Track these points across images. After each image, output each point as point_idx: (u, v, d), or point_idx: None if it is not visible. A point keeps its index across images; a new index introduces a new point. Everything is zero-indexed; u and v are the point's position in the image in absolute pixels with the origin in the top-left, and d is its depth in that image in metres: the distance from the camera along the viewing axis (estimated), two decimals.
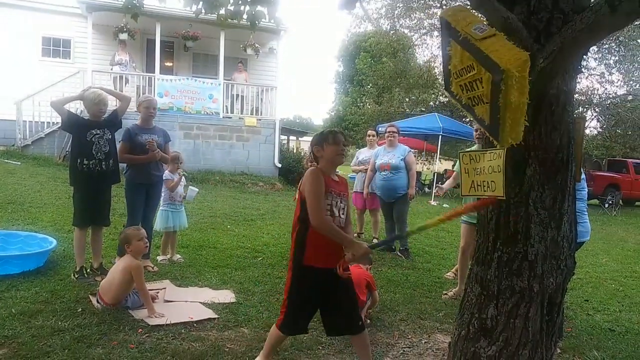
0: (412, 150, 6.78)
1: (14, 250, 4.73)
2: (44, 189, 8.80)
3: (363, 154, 7.54)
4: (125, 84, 13.17)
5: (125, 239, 3.89)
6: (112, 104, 5.79)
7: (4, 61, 13.16)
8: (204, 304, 3.99)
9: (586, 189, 4.29)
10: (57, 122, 12.70)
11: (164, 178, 5.19)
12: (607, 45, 17.87)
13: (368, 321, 3.88)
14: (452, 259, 6.39)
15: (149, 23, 12.51)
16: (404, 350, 3.38)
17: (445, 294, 4.80)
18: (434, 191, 15.34)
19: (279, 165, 14.14)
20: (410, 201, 6.53)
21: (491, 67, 2.02)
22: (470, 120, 21.36)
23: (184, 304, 3.99)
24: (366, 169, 6.95)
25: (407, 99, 22.69)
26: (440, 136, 15.35)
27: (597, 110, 20.45)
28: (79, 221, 4.47)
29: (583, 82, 19.45)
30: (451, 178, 5.83)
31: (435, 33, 19.21)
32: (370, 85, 29.69)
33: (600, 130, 22.03)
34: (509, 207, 2.40)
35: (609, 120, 20.67)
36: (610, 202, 15.89)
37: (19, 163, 11.18)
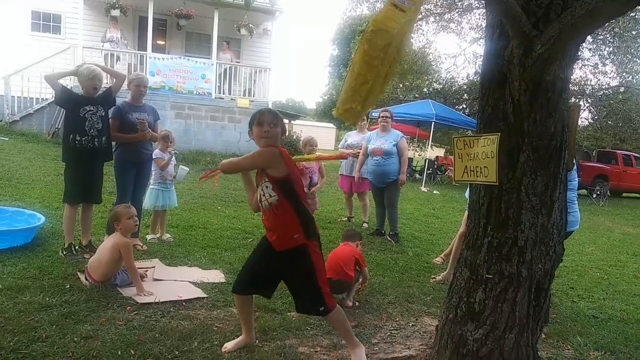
0: (404, 136, 6.76)
1: (1, 226, 4.68)
2: (32, 165, 8.71)
3: (352, 137, 7.51)
4: (117, 61, 12.97)
5: (115, 217, 3.86)
6: (106, 81, 5.71)
7: None
8: (193, 283, 3.99)
9: (577, 179, 4.32)
10: (46, 99, 12.54)
11: (154, 157, 5.14)
12: (601, 36, 17.88)
13: (357, 303, 3.92)
14: (441, 245, 6.45)
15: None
16: (391, 333, 3.41)
17: (434, 277, 4.85)
18: (424, 177, 15.42)
19: None
20: (401, 187, 6.54)
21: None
22: (463, 107, 21.43)
23: (173, 283, 3.99)
24: (355, 153, 6.93)
25: (400, 85, 22.57)
26: (433, 123, 15.35)
27: (589, 101, 20.54)
28: (70, 198, 4.43)
29: (577, 73, 19.50)
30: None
31: (431, 19, 19.09)
32: None
33: (592, 121, 22.17)
34: (501, 193, 2.41)
35: (600, 112, 20.79)
36: (599, 192, 16.06)
37: (7, 139, 11.03)
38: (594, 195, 16.02)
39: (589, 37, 16.30)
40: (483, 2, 2.09)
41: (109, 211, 4.09)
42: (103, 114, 4.46)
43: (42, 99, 12.54)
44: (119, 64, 13.02)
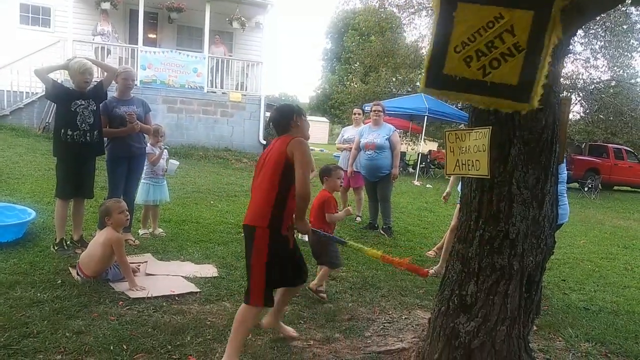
0: (397, 130, 6.76)
1: None
2: (22, 160, 8.63)
3: (348, 132, 7.51)
4: (107, 55, 12.86)
5: (106, 212, 3.84)
6: (97, 75, 5.62)
7: None
8: (185, 277, 3.98)
9: (566, 172, 4.35)
10: (36, 93, 12.40)
11: (146, 152, 5.11)
12: (593, 31, 17.94)
13: (325, 296, 3.83)
14: (434, 238, 6.47)
15: None
16: (384, 326, 3.43)
17: (429, 271, 4.86)
18: (417, 171, 15.45)
19: (264, 142, 14.03)
20: (394, 181, 6.55)
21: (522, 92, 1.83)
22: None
23: (166, 277, 3.98)
24: (351, 148, 6.93)
25: (394, 79, 22.58)
26: (425, 117, 15.36)
27: (581, 94, 20.64)
28: (61, 193, 4.40)
29: (568, 67, 19.57)
30: (452, 178, 5.69)
31: (424, 13, 19.06)
32: (358, 63, 29.46)
33: (583, 115, 22.27)
34: (492, 186, 2.42)
35: (592, 105, 20.88)
36: (590, 185, 16.18)
37: None
38: (586, 189, 16.13)
39: (580, 32, 16.36)
40: None
41: (100, 206, 4.06)
42: (94, 108, 4.42)
43: (32, 93, 12.40)
44: (110, 58, 12.90)
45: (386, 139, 6.32)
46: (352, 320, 3.46)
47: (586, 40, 18.71)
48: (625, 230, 9.60)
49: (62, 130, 4.27)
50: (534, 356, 2.71)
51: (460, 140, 2.52)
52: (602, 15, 15.21)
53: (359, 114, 7.71)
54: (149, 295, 3.50)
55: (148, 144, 5.16)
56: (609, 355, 3.31)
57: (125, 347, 2.73)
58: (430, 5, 18.72)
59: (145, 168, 5.21)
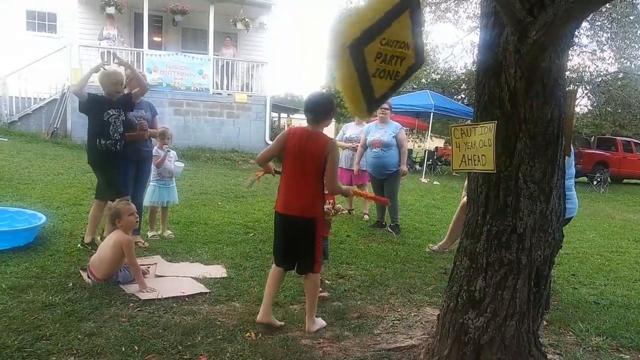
0: (403, 127, 6.75)
1: (3, 226, 4.69)
2: (32, 165, 8.71)
3: (350, 130, 7.46)
4: (114, 59, 12.92)
5: (116, 214, 3.86)
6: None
7: None
8: (195, 278, 4.01)
9: (574, 168, 4.33)
10: (43, 99, 12.53)
11: (153, 154, 5.15)
12: (599, 22, 17.80)
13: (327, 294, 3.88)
14: (442, 235, 6.44)
15: None
16: (393, 323, 3.43)
17: (431, 247, 4.93)
18: (424, 168, 15.41)
19: (270, 143, 14.05)
20: (403, 177, 6.55)
21: (420, 57, 2.38)
22: (462, 97, 21.37)
23: (175, 278, 4.01)
24: (354, 147, 6.93)
25: None
26: (432, 113, 15.32)
27: (587, 87, 20.49)
28: (101, 194, 4.50)
29: (575, 59, 19.46)
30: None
31: (428, 9, 19.00)
32: None
33: (591, 108, 22.12)
34: (498, 181, 2.42)
35: (599, 98, 20.73)
36: (599, 179, 16.06)
37: (6, 139, 11.03)
38: (594, 183, 16.02)
39: (586, 24, 16.25)
40: None
41: (109, 209, 4.09)
42: (124, 118, 4.51)
43: (40, 98, 12.54)
44: (116, 62, 12.97)
45: (393, 137, 6.32)
46: (361, 318, 3.47)
47: (592, 32, 18.57)
48: (636, 223, 9.52)
49: (97, 140, 4.33)
50: (544, 351, 2.70)
51: (466, 136, 2.52)
52: (608, 6, 15.08)
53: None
54: (159, 297, 3.53)
55: (155, 147, 5.19)
56: (620, 349, 3.29)
57: (136, 348, 2.75)
58: (434, 1, 18.66)
59: (153, 171, 5.24)
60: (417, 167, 17.06)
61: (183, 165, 5.64)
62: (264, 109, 14.01)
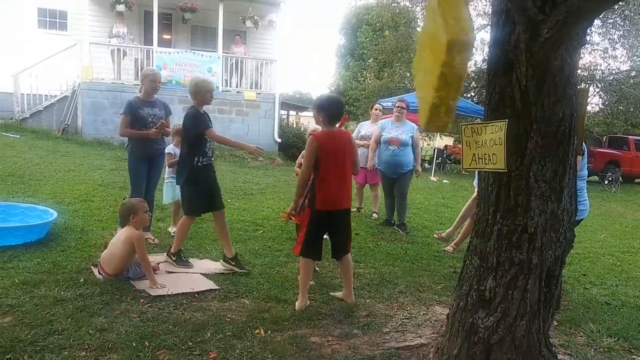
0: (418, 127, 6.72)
1: (15, 222, 4.75)
2: (43, 162, 8.79)
3: (365, 127, 7.45)
4: (124, 57, 13.02)
5: (132, 210, 3.88)
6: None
7: None
8: (205, 275, 4.03)
9: (586, 169, 4.29)
10: (54, 95, 12.64)
11: (166, 152, 5.16)
12: (611, 20, 17.59)
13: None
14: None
15: None
16: (402, 322, 3.42)
17: (438, 233, 4.96)
18: (433, 167, 15.35)
19: (279, 140, 14.09)
20: (417, 177, 6.57)
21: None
22: (472, 95, 21.25)
23: (185, 275, 4.03)
24: (367, 145, 6.90)
25: (408, 74, 22.40)
26: None
27: (599, 86, 20.25)
28: (191, 211, 4.39)
29: (586, 58, 19.22)
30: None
31: None
32: (372, 59, 29.33)
33: (602, 106, 21.86)
34: (509, 180, 2.41)
35: (611, 97, 20.48)
36: (610, 178, 15.91)
37: (18, 136, 11.14)
38: (606, 182, 15.87)
39: (598, 21, 16.07)
40: None
41: (121, 205, 4.12)
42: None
43: (51, 95, 12.64)
44: (126, 60, 13.07)
45: (410, 136, 6.32)
46: (370, 317, 3.47)
47: (604, 30, 18.34)
48: None
49: (196, 158, 4.27)
50: (555, 351, 2.69)
51: (477, 134, 2.50)
52: (621, 3, 14.91)
53: (380, 109, 7.69)
54: (169, 293, 3.55)
55: (171, 145, 5.20)
56: (632, 350, 3.26)
57: (147, 344, 2.77)
58: None
59: (168, 168, 5.25)
60: (427, 165, 16.99)
61: None
62: (273, 107, 14.03)
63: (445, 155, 17.77)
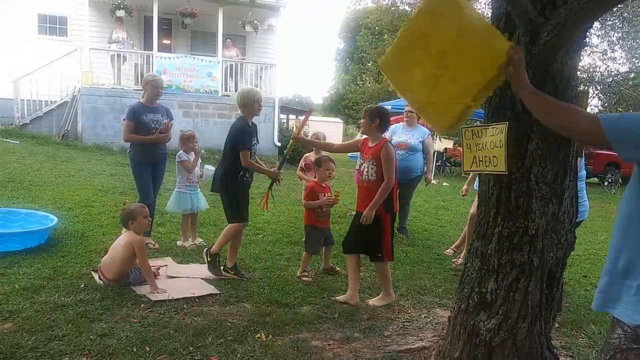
0: (430, 133, 6.64)
1: (15, 228, 4.74)
2: (43, 167, 8.80)
3: None
4: (124, 62, 13.05)
5: (131, 215, 3.88)
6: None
7: None
8: (205, 280, 4.03)
9: (584, 170, 4.30)
10: (54, 101, 12.66)
11: (178, 160, 5.11)
12: (610, 22, 17.64)
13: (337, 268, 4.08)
14: (452, 237, 6.43)
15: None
16: (403, 325, 3.42)
17: (455, 261, 5.12)
18: (433, 169, 15.34)
19: (279, 144, 14.09)
20: (427, 185, 6.46)
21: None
22: None
23: (186, 279, 4.03)
24: None
25: None
26: None
27: (598, 88, 20.29)
28: (241, 218, 4.37)
29: (585, 59, 19.27)
30: (470, 175, 5.69)
31: None
32: (371, 63, 29.39)
33: (602, 108, 21.88)
34: (510, 182, 2.40)
35: (610, 98, 20.52)
36: (610, 180, 15.90)
37: (18, 142, 11.15)
38: (606, 183, 15.87)
39: (597, 23, 16.09)
40: None
41: (122, 210, 4.12)
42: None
43: (51, 101, 12.65)
44: (125, 65, 13.10)
45: (420, 141, 6.17)
46: (371, 320, 3.46)
47: (603, 32, 18.39)
48: None
49: (241, 173, 4.25)
50: (557, 353, 2.68)
51: (477, 137, 2.50)
52: (620, 5, 14.94)
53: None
54: (170, 298, 3.55)
55: (181, 150, 5.15)
56: None
57: (148, 349, 2.77)
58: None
59: (179, 176, 5.20)
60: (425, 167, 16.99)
61: (214, 169, 5.56)
62: (273, 111, 14.04)
63: (445, 158, 17.76)
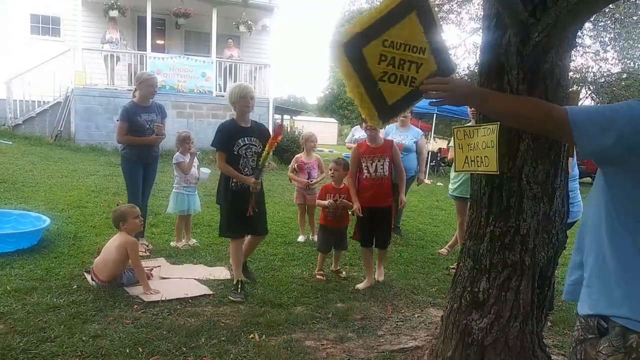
0: (423, 133, 6.65)
1: (7, 229, 4.71)
2: (36, 168, 8.75)
3: (359, 132, 7.44)
4: (117, 62, 13.00)
5: (121, 217, 3.87)
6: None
7: None
8: (199, 280, 4.02)
9: (577, 169, 4.31)
10: (47, 102, 12.59)
11: (175, 161, 5.10)
12: (602, 23, 17.74)
13: (343, 273, 4.58)
14: (446, 236, 6.45)
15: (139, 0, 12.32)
16: (397, 324, 3.43)
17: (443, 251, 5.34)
18: (427, 170, 15.38)
19: None
20: (419, 186, 6.51)
21: (445, 64, 2.11)
22: None
23: (179, 280, 4.02)
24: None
25: None
26: (435, 115, 15.30)
27: (591, 88, 20.39)
28: (225, 232, 4.03)
29: (577, 60, 19.36)
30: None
31: None
32: None
33: None
34: (502, 182, 2.42)
35: (602, 99, 20.63)
36: None
37: (10, 142, 11.08)
38: None
39: (589, 24, 16.18)
40: None
41: (114, 211, 4.11)
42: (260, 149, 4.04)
43: (44, 102, 12.59)
44: (119, 65, 13.05)
45: (414, 142, 6.20)
46: (364, 320, 3.47)
47: (595, 32, 18.49)
48: None
49: (231, 180, 3.87)
50: (549, 352, 2.70)
51: (469, 137, 2.51)
52: (611, 6, 15.04)
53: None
54: (163, 299, 3.54)
55: (177, 152, 5.13)
56: None
57: (141, 350, 2.76)
58: (437, 2, 18.64)
59: (177, 178, 5.19)
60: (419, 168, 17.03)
61: (209, 172, 5.53)
62: (267, 111, 14.03)
63: (439, 158, 17.80)
